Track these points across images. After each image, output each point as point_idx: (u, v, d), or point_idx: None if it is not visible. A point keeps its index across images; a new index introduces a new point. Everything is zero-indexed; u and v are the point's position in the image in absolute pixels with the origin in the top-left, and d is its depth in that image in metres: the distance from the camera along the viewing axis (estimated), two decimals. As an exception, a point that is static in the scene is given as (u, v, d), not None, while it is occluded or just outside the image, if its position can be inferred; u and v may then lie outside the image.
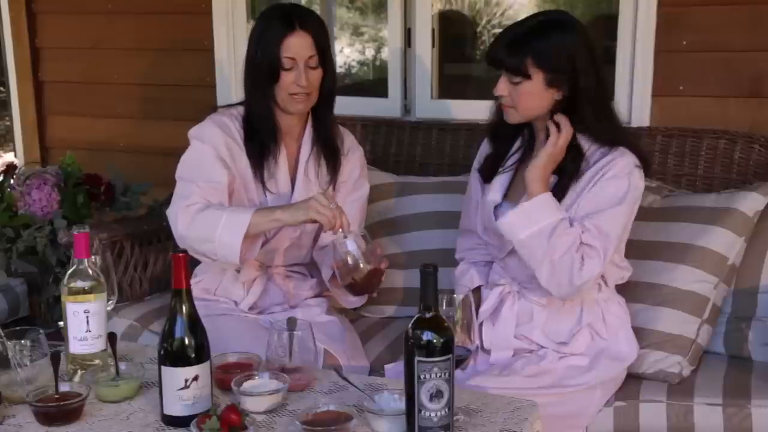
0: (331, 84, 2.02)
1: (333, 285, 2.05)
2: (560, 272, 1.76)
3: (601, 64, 1.85)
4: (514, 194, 1.90)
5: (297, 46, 1.92)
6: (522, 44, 1.78)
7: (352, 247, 1.78)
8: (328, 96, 2.03)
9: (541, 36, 1.78)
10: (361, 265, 1.78)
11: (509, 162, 1.94)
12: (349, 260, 1.79)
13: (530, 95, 1.79)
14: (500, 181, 1.93)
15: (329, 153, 2.07)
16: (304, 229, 2.07)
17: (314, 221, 1.85)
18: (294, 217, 1.87)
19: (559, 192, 1.82)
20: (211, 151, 1.96)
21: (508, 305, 1.92)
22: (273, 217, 1.88)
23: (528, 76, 1.78)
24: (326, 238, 2.06)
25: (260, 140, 1.99)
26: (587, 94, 1.78)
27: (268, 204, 2.01)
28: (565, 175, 1.82)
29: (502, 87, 1.82)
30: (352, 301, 2.07)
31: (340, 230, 1.81)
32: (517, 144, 1.95)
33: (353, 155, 2.14)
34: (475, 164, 2.04)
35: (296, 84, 1.93)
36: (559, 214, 1.77)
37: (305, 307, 2.11)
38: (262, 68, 1.94)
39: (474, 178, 2.03)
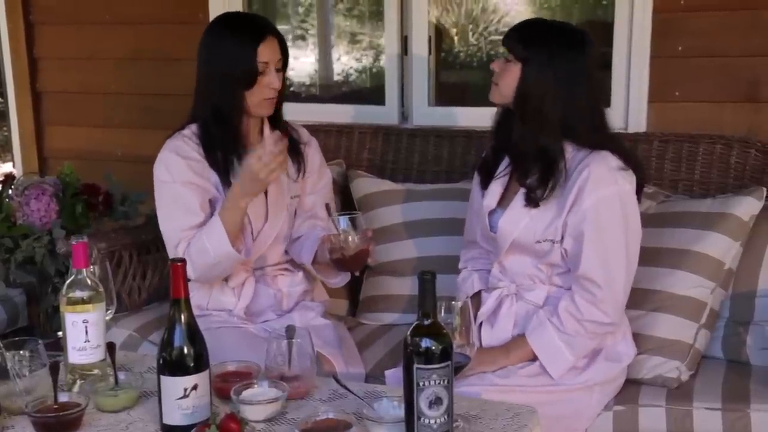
0: (285, 86, 2.10)
1: (316, 268, 2.09)
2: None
3: (595, 75, 1.90)
4: (506, 200, 1.94)
5: (270, 50, 1.99)
6: (525, 30, 1.88)
7: (345, 224, 1.87)
8: (282, 98, 2.10)
9: (546, 31, 1.86)
10: (351, 242, 1.86)
11: (503, 167, 1.97)
12: (342, 236, 1.87)
13: (512, 77, 1.84)
14: (495, 188, 1.97)
15: (292, 148, 2.11)
16: (283, 219, 2.10)
17: (270, 181, 1.91)
18: (253, 193, 1.92)
19: (535, 196, 1.84)
20: (179, 186, 2.00)
21: (506, 307, 1.93)
22: (238, 206, 1.92)
23: (517, 58, 1.84)
24: (299, 230, 2.14)
25: (223, 150, 2.03)
26: (568, 105, 1.82)
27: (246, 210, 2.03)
28: (535, 182, 1.84)
29: (497, 62, 1.90)
30: (336, 281, 2.12)
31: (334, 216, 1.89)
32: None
33: (311, 146, 2.22)
34: (478, 163, 2.08)
35: (270, 87, 2.00)
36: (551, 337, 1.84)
37: (300, 310, 2.14)
38: (236, 77, 1.97)
39: (475, 187, 2.06)
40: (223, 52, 2.00)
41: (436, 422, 1.36)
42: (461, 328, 1.56)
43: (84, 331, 1.62)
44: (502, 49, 1.95)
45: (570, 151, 1.85)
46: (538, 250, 1.87)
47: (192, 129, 2.07)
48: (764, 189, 2.15)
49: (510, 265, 1.94)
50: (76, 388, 1.63)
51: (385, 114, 2.87)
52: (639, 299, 2.01)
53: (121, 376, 1.63)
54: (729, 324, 2.14)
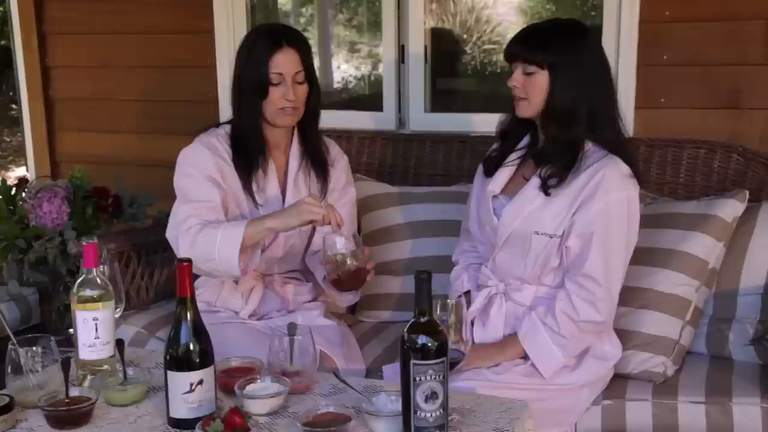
0: (316, 99, 2.08)
1: (326, 284, 2.09)
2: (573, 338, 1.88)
3: (609, 74, 1.91)
4: (511, 189, 1.95)
5: (285, 62, 1.98)
6: (539, 35, 1.85)
7: (340, 245, 1.85)
8: (314, 110, 2.08)
9: (558, 31, 1.85)
10: (348, 263, 1.85)
11: (513, 157, 1.97)
12: (338, 257, 1.85)
13: (540, 88, 1.83)
14: (501, 175, 1.97)
15: (318, 165, 2.12)
16: (296, 234, 2.09)
17: (309, 222, 1.89)
18: (285, 224, 1.89)
19: (547, 185, 1.85)
20: (202, 173, 2.00)
21: (496, 306, 1.95)
22: (265, 226, 1.90)
23: (541, 66, 1.81)
24: (317, 242, 2.11)
25: (247, 154, 2.04)
26: (595, 99, 1.83)
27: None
28: (553, 172, 1.85)
29: (517, 78, 1.86)
30: (347, 299, 2.12)
31: (331, 227, 1.86)
32: (524, 142, 1.98)
33: (339, 164, 2.19)
34: (483, 157, 2.07)
35: (285, 98, 1.98)
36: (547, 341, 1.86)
37: (304, 311, 2.16)
38: (252, 84, 1.99)
39: (478, 177, 2.06)
40: (241, 60, 2.02)
41: (431, 416, 1.39)
42: (456, 325, 1.60)
43: (94, 328, 1.64)
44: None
45: (588, 147, 1.85)
46: (533, 244, 1.87)
47: (226, 129, 2.08)
48: (746, 192, 2.19)
49: (501, 262, 1.94)
50: (86, 383, 1.65)
51: (383, 120, 2.90)
52: (627, 297, 2.03)
53: (130, 371, 1.66)
54: (712, 321, 2.17)
